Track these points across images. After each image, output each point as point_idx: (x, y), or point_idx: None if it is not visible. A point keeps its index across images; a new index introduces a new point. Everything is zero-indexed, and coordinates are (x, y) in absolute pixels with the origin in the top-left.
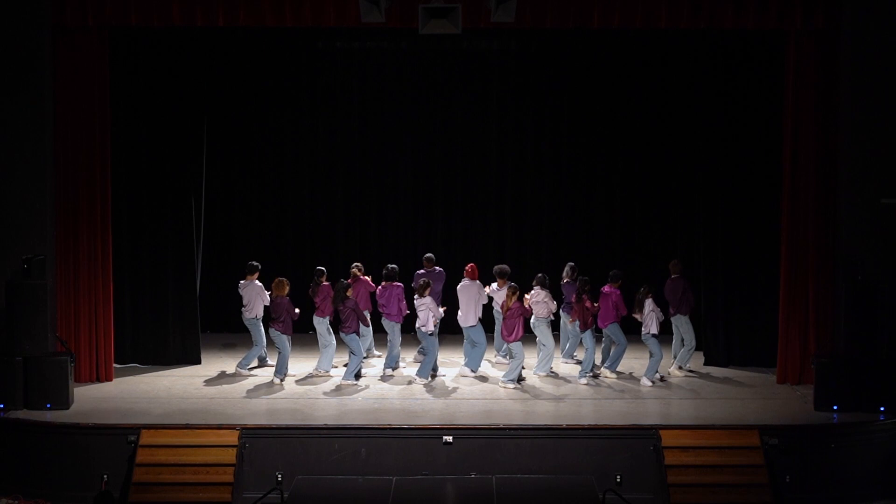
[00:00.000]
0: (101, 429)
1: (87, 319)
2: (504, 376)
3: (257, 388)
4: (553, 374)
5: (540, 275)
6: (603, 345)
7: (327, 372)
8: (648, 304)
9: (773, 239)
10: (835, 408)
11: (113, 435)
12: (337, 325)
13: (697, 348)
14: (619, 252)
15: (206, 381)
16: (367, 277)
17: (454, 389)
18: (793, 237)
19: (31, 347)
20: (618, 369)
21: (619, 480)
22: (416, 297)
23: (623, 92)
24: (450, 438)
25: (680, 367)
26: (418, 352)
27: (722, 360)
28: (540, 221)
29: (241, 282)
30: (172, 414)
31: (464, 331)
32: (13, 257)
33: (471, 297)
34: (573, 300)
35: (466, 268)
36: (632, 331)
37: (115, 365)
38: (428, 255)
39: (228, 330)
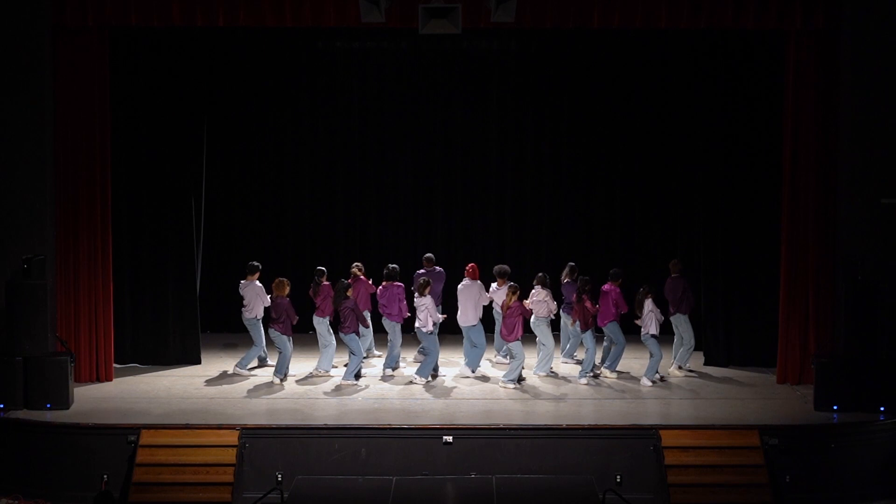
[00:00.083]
0: (101, 429)
1: (87, 319)
2: (504, 376)
3: (257, 388)
4: (553, 374)
5: (540, 274)
6: (604, 345)
7: (327, 372)
8: (648, 304)
9: (773, 239)
10: (835, 408)
11: (113, 435)
12: (337, 326)
13: (697, 348)
14: (619, 252)
15: (206, 381)
16: (368, 280)
17: (454, 389)
18: (793, 237)
19: (31, 347)
20: (618, 369)
21: (619, 480)
22: (415, 296)
23: (623, 92)
24: (450, 438)
25: (680, 367)
26: (418, 352)
27: (722, 360)
28: (540, 221)
29: (242, 282)
30: (172, 414)
31: (463, 331)
32: (13, 257)
33: (471, 296)
34: (573, 300)
35: (467, 268)
36: (632, 330)
37: (115, 365)
38: (428, 255)
39: (228, 330)
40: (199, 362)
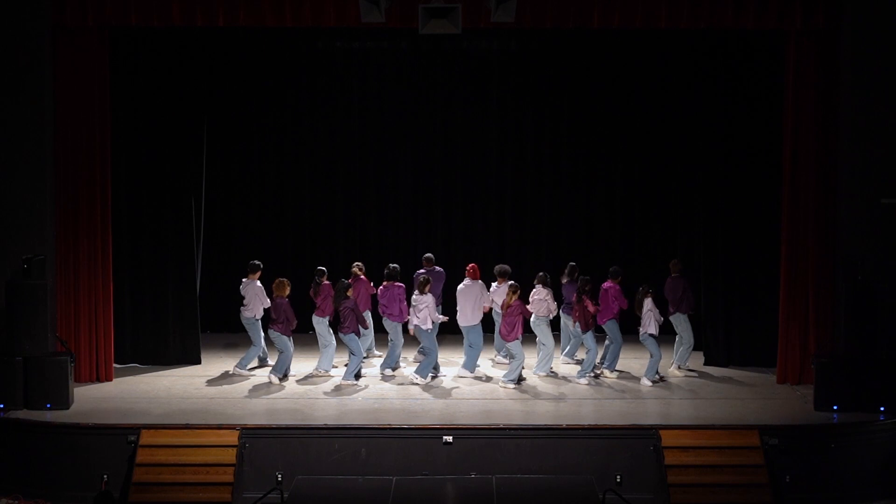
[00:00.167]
0: (101, 429)
1: (87, 319)
2: (504, 376)
3: (257, 388)
4: (553, 374)
5: (541, 273)
6: (605, 344)
7: (327, 372)
8: (647, 303)
9: (773, 239)
10: (835, 408)
11: (113, 435)
12: (337, 325)
13: (697, 348)
14: (619, 252)
15: (206, 381)
16: (369, 281)
17: (454, 389)
18: (793, 237)
19: (31, 347)
20: (617, 368)
21: (619, 480)
22: (415, 294)
23: (623, 92)
24: (450, 438)
25: (679, 367)
26: (418, 352)
27: (722, 360)
28: (540, 221)
29: (244, 280)
30: (172, 414)
31: (464, 331)
32: (13, 257)
33: (473, 297)
34: (574, 300)
35: (468, 268)
36: (631, 330)
37: (115, 365)
38: (427, 255)
39: (228, 330)
40: (199, 362)
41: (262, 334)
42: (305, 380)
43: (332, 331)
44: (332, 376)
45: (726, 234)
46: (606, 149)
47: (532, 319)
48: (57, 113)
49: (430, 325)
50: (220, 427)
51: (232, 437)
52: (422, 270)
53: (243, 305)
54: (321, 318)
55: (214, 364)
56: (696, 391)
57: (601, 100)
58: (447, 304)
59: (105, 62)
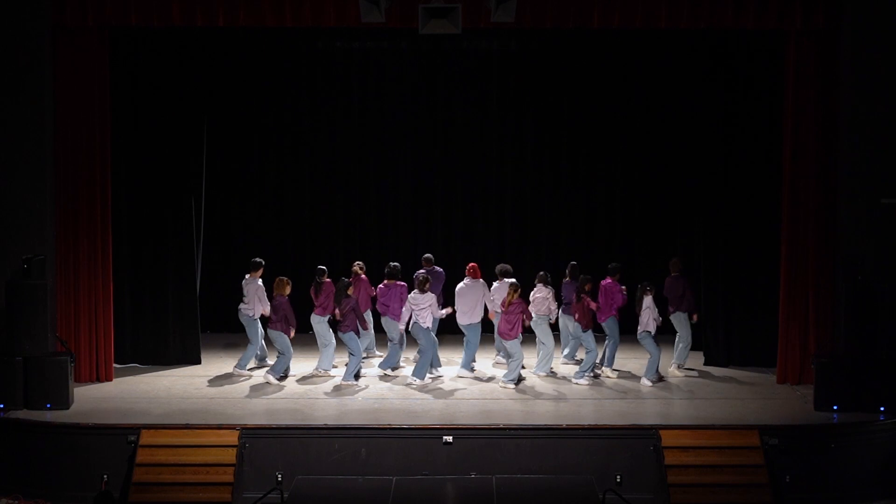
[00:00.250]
0: (101, 429)
1: (87, 319)
2: (504, 376)
3: (257, 388)
4: (552, 374)
5: (542, 273)
6: (604, 345)
7: (327, 372)
8: (646, 301)
9: (773, 239)
10: (835, 408)
11: (113, 435)
12: (336, 325)
13: (698, 348)
14: (620, 252)
15: (206, 381)
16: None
17: (454, 389)
18: (793, 237)
19: (31, 347)
20: (617, 368)
21: (619, 480)
22: (414, 292)
23: (623, 92)
24: (450, 438)
25: (679, 366)
26: (418, 352)
27: (722, 360)
28: (540, 221)
29: (247, 276)
30: (172, 414)
31: (463, 329)
32: (13, 257)
33: (474, 296)
34: (573, 299)
35: (468, 267)
36: (632, 329)
37: (115, 365)
38: (427, 255)
39: (228, 330)
40: (199, 362)
41: (261, 333)
42: (305, 380)
43: (332, 330)
44: (333, 376)
45: (726, 233)
46: (606, 149)
47: (532, 318)
48: (57, 113)
49: (430, 324)
50: (220, 427)
51: (232, 437)
52: (422, 271)
53: (244, 302)
54: (321, 317)
55: (214, 364)
56: (696, 391)
57: (601, 100)
58: (447, 303)
59: (105, 62)
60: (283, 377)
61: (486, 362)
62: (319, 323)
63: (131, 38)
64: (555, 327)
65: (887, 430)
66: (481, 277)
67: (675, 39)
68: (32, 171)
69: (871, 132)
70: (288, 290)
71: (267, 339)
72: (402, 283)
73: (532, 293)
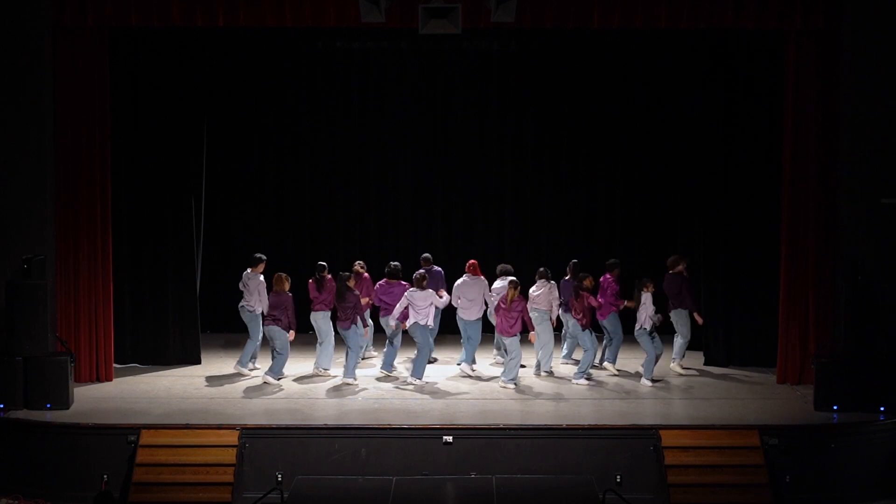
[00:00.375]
0: (101, 429)
1: (87, 319)
2: (504, 375)
3: (257, 387)
4: (549, 373)
5: (542, 268)
6: (604, 343)
7: (327, 371)
8: (645, 297)
9: (773, 239)
10: (835, 408)
11: (113, 435)
12: (335, 321)
13: (698, 348)
14: (620, 252)
15: (206, 381)
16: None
17: (454, 389)
18: (793, 237)
19: (31, 347)
20: (619, 368)
21: (619, 480)
22: (413, 289)
23: (623, 92)
24: (450, 438)
25: (679, 363)
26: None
27: (722, 360)
28: (540, 221)
29: (248, 270)
30: (172, 414)
31: (464, 325)
32: (13, 257)
33: (475, 293)
34: (573, 297)
35: (468, 264)
36: (631, 329)
37: (115, 365)
38: (425, 254)
39: (228, 330)
40: (199, 362)
41: (261, 331)
42: (305, 379)
43: (332, 326)
44: (332, 376)
45: (726, 233)
46: (606, 149)
47: (533, 315)
48: (57, 113)
49: (431, 322)
50: (220, 427)
51: (232, 437)
52: (421, 270)
53: (244, 298)
54: (324, 313)
55: (214, 364)
56: (695, 391)
57: (601, 100)
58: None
59: (105, 62)
60: (279, 377)
61: (486, 362)
62: (322, 319)
63: (131, 38)
64: (557, 327)
65: (887, 430)
66: (481, 275)
67: (675, 39)
68: (32, 171)
69: (871, 132)
70: (287, 286)
71: (263, 338)
72: (405, 283)
73: (531, 290)
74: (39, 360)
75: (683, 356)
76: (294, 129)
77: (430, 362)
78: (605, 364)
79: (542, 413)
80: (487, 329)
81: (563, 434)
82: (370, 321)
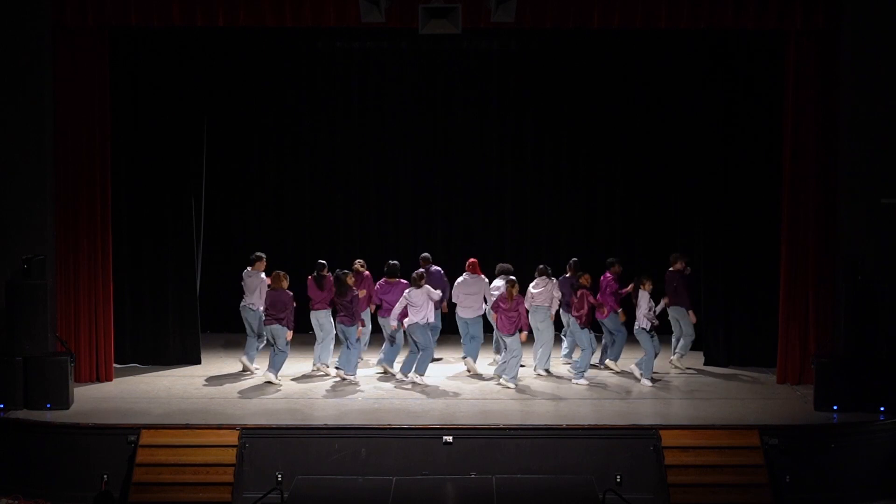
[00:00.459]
0: (101, 429)
1: (87, 319)
2: (504, 374)
3: (257, 387)
4: (547, 372)
5: (542, 266)
6: (603, 342)
7: (326, 366)
8: (643, 295)
9: (773, 239)
10: (835, 408)
11: (113, 435)
12: (335, 318)
13: (698, 348)
14: (620, 252)
15: (206, 381)
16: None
17: (454, 389)
18: (793, 237)
19: (31, 347)
20: (619, 368)
21: (619, 480)
22: (412, 288)
23: (623, 92)
24: (450, 438)
25: (679, 358)
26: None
27: (722, 360)
28: (540, 221)
29: (248, 269)
30: (172, 414)
31: (464, 324)
32: (13, 257)
33: (475, 291)
34: (572, 296)
35: (468, 262)
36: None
37: (115, 365)
38: (424, 254)
39: (228, 330)
40: (199, 362)
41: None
42: (305, 379)
43: (332, 322)
44: (332, 374)
45: (726, 233)
46: (606, 149)
47: (533, 312)
48: (57, 113)
49: (431, 319)
50: (220, 427)
51: (232, 437)
52: (421, 270)
53: (245, 297)
54: (324, 311)
55: (214, 364)
56: (695, 391)
57: (601, 99)
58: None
59: (105, 62)
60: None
61: (486, 362)
62: (324, 317)
63: (131, 38)
64: (556, 328)
65: (887, 430)
66: (481, 273)
67: (675, 39)
68: (32, 171)
69: (871, 132)
70: (286, 284)
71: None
72: (404, 282)
73: (530, 286)
74: (39, 360)
75: (682, 353)
76: (294, 129)
77: (433, 360)
78: (608, 362)
79: (542, 413)
80: (487, 329)
81: (563, 434)
82: (368, 323)
